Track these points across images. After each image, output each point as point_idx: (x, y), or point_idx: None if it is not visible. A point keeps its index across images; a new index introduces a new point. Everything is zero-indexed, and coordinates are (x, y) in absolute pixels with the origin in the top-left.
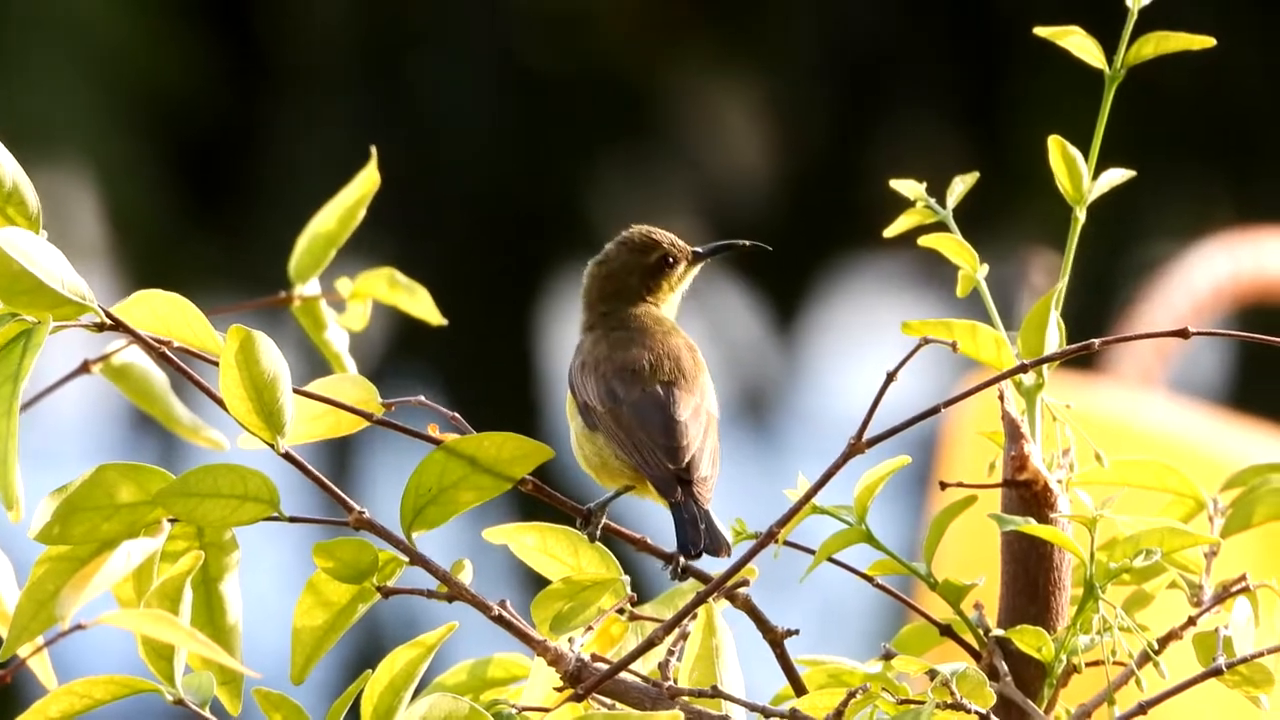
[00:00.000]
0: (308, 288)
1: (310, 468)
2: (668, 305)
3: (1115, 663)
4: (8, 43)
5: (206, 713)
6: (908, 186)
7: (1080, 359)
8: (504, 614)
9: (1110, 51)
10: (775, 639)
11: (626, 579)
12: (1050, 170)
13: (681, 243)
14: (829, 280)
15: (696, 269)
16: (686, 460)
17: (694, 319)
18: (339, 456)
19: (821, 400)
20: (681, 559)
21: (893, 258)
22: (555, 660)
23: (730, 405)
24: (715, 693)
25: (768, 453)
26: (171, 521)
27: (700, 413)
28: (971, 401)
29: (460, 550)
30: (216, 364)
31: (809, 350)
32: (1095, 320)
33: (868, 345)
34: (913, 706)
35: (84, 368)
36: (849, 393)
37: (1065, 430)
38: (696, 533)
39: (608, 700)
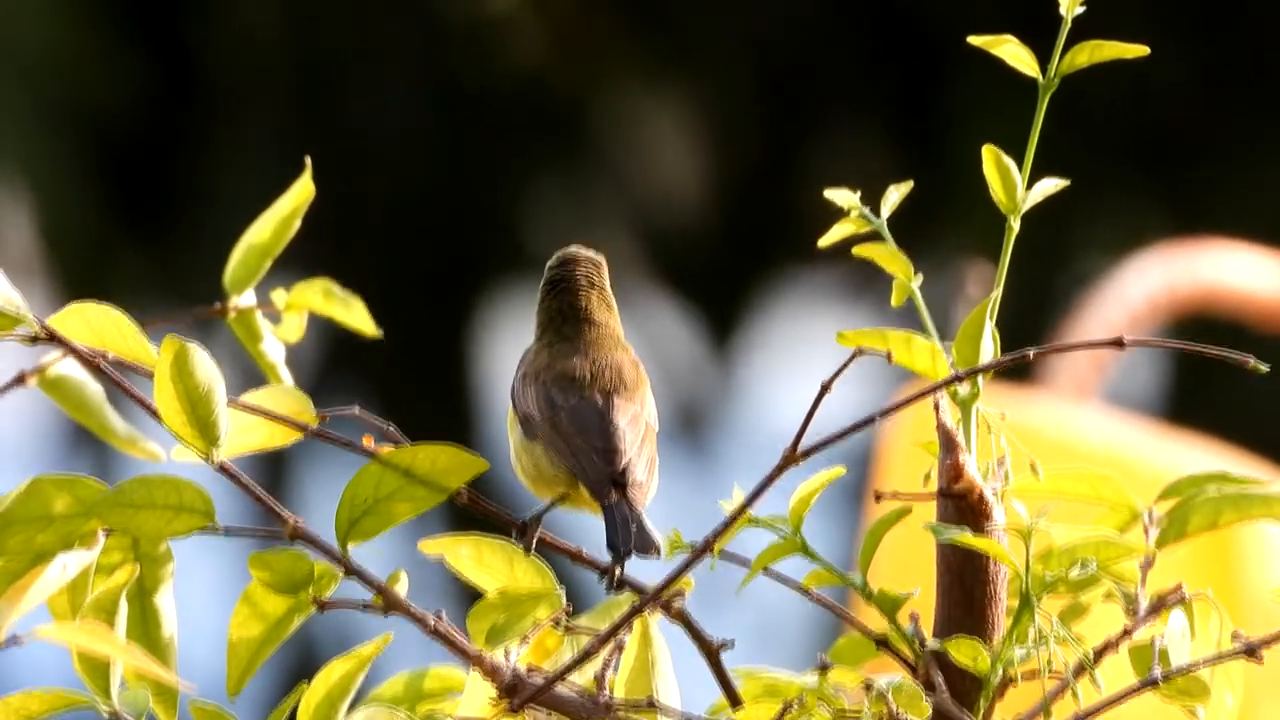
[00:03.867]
0: (243, 299)
1: (245, 479)
2: (615, 322)
3: (1051, 674)
4: None
5: None
6: (842, 196)
7: (1016, 370)
8: (440, 626)
9: (1044, 60)
10: (711, 650)
11: (562, 591)
12: (985, 180)
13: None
14: (763, 294)
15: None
16: (623, 464)
17: (628, 334)
18: (274, 468)
19: (757, 414)
20: (617, 570)
21: (827, 271)
22: (491, 672)
23: (666, 420)
24: (651, 704)
25: (703, 467)
26: (107, 533)
27: (639, 421)
28: (907, 412)
29: (396, 562)
30: (151, 376)
31: (744, 364)
32: (1031, 331)
33: (803, 358)
34: (849, 718)
35: (20, 380)
36: (785, 406)
37: (1000, 440)
38: (627, 533)
39: (544, 712)
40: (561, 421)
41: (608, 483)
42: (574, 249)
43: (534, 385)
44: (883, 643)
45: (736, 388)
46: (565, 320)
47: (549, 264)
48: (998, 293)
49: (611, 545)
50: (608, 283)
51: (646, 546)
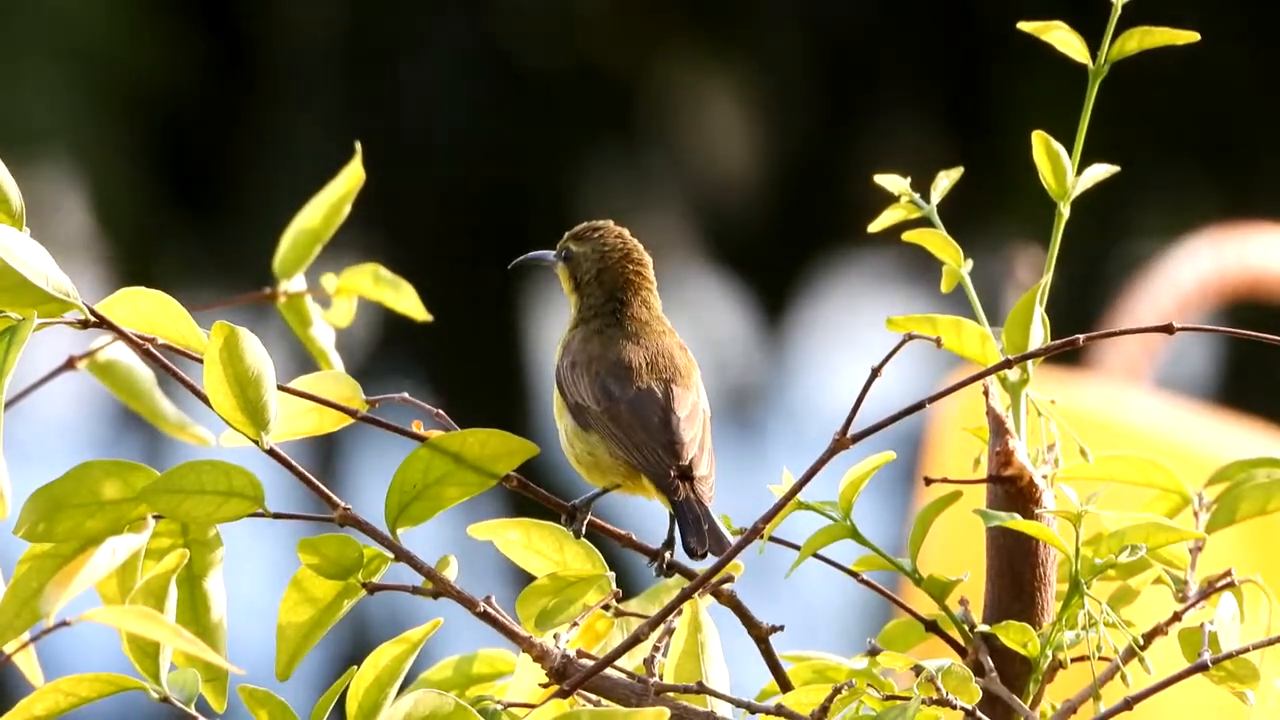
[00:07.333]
0: (293, 284)
1: (295, 464)
2: (653, 303)
3: (1101, 658)
4: None
5: (192, 710)
6: (893, 182)
7: (1065, 355)
8: (489, 610)
9: (1094, 47)
10: (760, 635)
11: (611, 575)
12: (1035, 166)
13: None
14: (815, 277)
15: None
16: (689, 458)
17: (678, 315)
18: (324, 453)
19: (808, 397)
20: (667, 555)
21: (878, 254)
22: (540, 656)
23: (716, 402)
24: (701, 689)
25: (754, 450)
26: (156, 518)
27: (697, 411)
28: (957, 397)
29: (445, 547)
30: (201, 360)
31: (795, 347)
32: (1081, 316)
33: (854, 342)
34: (898, 702)
35: (69, 364)
36: (835, 389)
37: (1050, 426)
38: (701, 534)
39: (593, 696)
40: (621, 413)
41: (674, 477)
42: (600, 223)
43: (586, 375)
44: (932, 627)
45: (787, 369)
46: (610, 304)
47: (578, 236)
48: (1048, 278)
49: (688, 548)
50: (649, 261)
51: (720, 547)
